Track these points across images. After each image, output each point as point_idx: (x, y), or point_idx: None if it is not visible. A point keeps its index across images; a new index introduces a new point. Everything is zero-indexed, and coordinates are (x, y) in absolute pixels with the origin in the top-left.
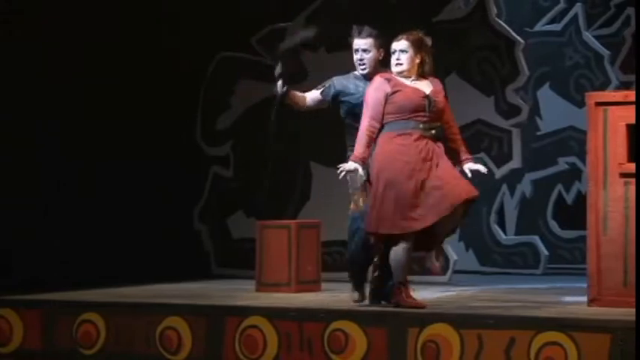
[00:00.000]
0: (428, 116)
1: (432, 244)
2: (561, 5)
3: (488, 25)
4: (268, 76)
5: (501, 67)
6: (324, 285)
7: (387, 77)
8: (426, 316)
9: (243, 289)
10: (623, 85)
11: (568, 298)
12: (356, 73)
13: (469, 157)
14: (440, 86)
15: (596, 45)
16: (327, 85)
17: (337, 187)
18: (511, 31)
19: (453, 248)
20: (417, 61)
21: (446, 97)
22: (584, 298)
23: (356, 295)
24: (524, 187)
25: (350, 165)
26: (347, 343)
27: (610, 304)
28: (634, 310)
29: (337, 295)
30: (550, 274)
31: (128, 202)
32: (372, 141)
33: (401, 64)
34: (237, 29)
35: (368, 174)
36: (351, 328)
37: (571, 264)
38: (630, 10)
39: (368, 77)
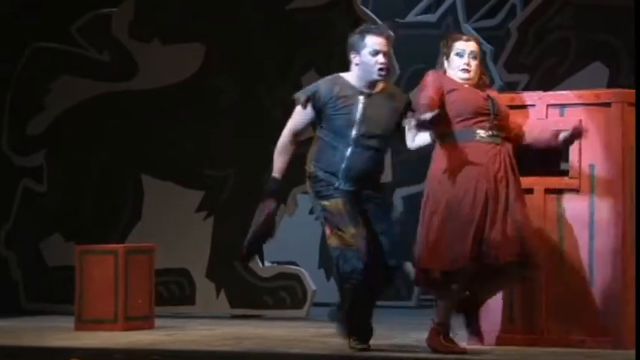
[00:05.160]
0: (493, 121)
1: (468, 304)
2: None
3: (354, 15)
4: (92, 71)
5: None
6: (157, 321)
7: (439, 73)
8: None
9: (60, 327)
10: (508, 86)
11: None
12: (348, 77)
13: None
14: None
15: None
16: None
17: (174, 204)
18: (379, 21)
19: (312, 277)
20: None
21: None
22: (465, 334)
23: (355, 343)
24: (394, 204)
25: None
26: None
27: (494, 342)
28: (520, 348)
29: (174, 333)
30: (424, 306)
31: None
32: None
33: (469, 71)
34: (53, 15)
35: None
36: None
37: None
38: None
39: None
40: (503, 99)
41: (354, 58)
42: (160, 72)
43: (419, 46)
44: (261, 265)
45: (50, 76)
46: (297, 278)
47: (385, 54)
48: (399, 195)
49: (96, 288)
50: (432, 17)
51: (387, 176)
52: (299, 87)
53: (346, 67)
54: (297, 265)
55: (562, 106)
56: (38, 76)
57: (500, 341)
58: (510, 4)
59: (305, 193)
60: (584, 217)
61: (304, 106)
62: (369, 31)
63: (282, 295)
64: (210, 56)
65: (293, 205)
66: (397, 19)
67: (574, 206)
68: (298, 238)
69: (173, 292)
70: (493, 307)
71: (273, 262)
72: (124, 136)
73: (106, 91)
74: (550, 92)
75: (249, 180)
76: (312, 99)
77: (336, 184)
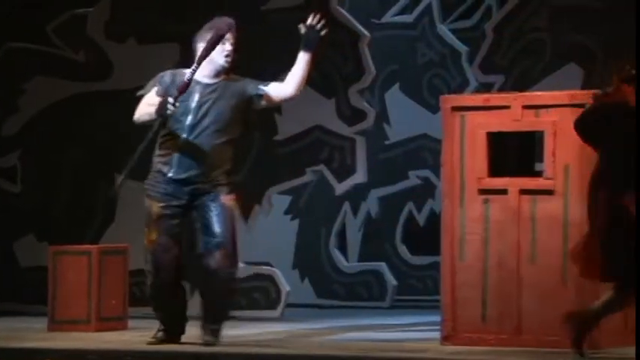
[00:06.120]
0: None
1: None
2: None
3: (329, 15)
4: (68, 71)
5: (344, 65)
6: (131, 322)
7: None
8: (252, 359)
9: (33, 328)
10: (484, 87)
11: (419, 336)
12: (185, 70)
13: None
14: None
15: (453, 40)
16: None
17: None
18: (355, 22)
19: (285, 278)
20: None
21: None
22: (438, 336)
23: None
24: (370, 205)
25: None
26: None
27: (466, 342)
28: (494, 348)
29: (147, 334)
30: (398, 307)
31: None
32: None
33: None
34: (28, 15)
35: None
36: None
37: (423, 295)
38: (491, 0)
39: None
40: (479, 100)
41: (199, 49)
42: (135, 72)
43: (395, 47)
44: None
45: (25, 76)
46: (270, 279)
47: (231, 44)
48: (374, 195)
49: (69, 289)
50: (408, 18)
51: (362, 177)
52: None
53: (321, 66)
54: (271, 266)
55: (537, 107)
56: (12, 76)
57: (473, 341)
58: (486, 6)
59: (282, 193)
60: (558, 218)
61: (149, 92)
62: (216, 22)
63: (256, 296)
64: (186, 56)
65: (268, 205)
66: (373, 20)
67: (548, 207)
68: (272, 238)
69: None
70: (466, 307)
71: (246, 263)
72: (98, 136)
73: (82, 91)
74: (525, 93)
75: None
76: (156, 86)
77: (169, 174)
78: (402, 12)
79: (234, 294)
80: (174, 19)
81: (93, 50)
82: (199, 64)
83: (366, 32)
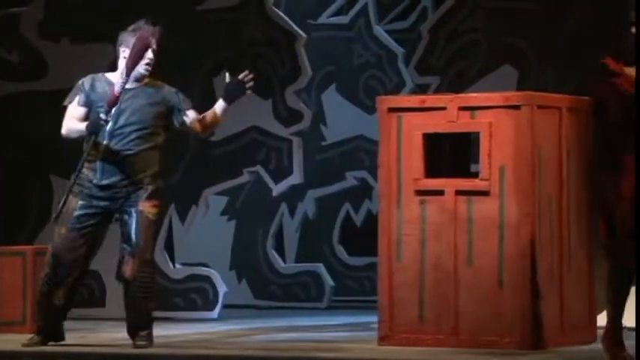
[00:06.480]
0: None
1: None
2: None
3: (265, 16)
4: (1, 71)
5: (280, 66)
6: (67, 324)
7: None
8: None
9: None
10: (420, 89)
11: (356, 336)
12: (109, 76)
13: None
14: None
15: (389, 41)
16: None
17: None
18: (291, 22)
19: (223, 279)
20: None
21: None
22: (375, 336)
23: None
24: (307, 206)
25: None
26: None
27: (403, 343)
28: (430, 349)
29: (84, 335)
30: (336, 307)
31: None
32: None
33: None
34: None
35: None
36: None
37: (360, 296)
38: (427, 2)
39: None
40: (415, 101)
41: (124, 52)
42: (69, 72)
43: (331, 48)
44: (172, 268)
45: None
46: (208, 280)
47: (153, 51)
48: (311, 196)
49: (4, 290)
50: (344, 19)
51: (298, 178)
52: (211, 87)
53: (257, 67)
54: (209, 267)
55: (473, 108)
56: None
57: (410, 342)
58: (422, 7)
59: (218, 194)
60: (494, 218)
61: (72, 102)
62: (140, 29)
63: (194, 296)
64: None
65: (204, 206)
66: (309, 21)
67: (484, 208)
68: (209, 239)
69: (82, 295)
70: (403, 308)
71: (183, 264)
72: (33, 136)
73: (15, 90)
74: (461, 95)
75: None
76: (77, 95)
77: (94, 180)
78: (337, 13)
79: (149, 301)
80: (107, 18)
81: (26, 50)
82: (128, 75)
83: (302, 33)
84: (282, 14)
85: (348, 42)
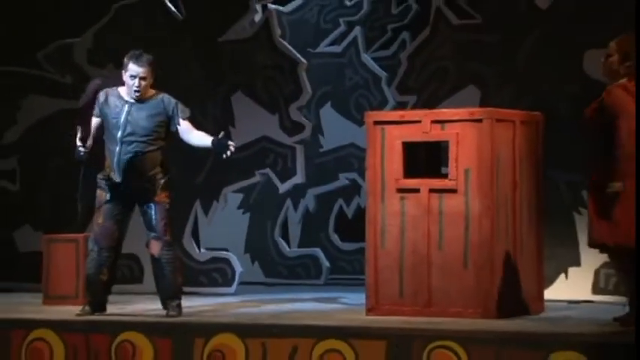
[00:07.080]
0: None
1: None
2: (342, 28)
3: (273, 46)
4: (55, 91)
5: (285, 86)
6: (111, 297)
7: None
8: (211, 326)
9: (30, 302)
10: (400, 105)
11: (348, 308)
12: (120, 90)
13: None
14: None
15: (374, 67)
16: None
17: None
18: (294, 51)
19: (239, 261)
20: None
21: None
22: (363, 308)
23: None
24: (308, 201)
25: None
26: (134, 355)
27: (386, 313)
28: (408, 318)
29: (124, 307)
30: (331, 284)
31: None
32: None
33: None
34: (23, 44)
35: None
36: (137, 339)
37: (351, 275)
38: (405, 35)
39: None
40: (395, 115)
41: (124, 75)
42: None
43: (327, 72)
44: (198, 252)
45: (21, 95)
46: (226, 262)
47: (141, 79)
48: (311, 194)
49: (60, 270)
50: (337, 48)
51: (300, 178)
52: (229, 103)
53: (267, 87)
54: (227, 251)
55: (443, 122)
56: (10, 95)
57: (392, 312)
58: (401, 39)
59: (235, 192)
60: (460, 211)
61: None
62: (131, 58)
63: (215, 275)
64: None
65: (224, 202)
66: (309, 49)
67: (453, 203)
68: (228, 229)
69: (124, 273)
70: (386, 285)
71: (207, 249)
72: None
73: (67, 107)
74: (433, 110)
75: (176, 182)
76: (96, 106)
77: (112, 177)
78: (332, 43)
79: (176, 272)
80: (145, 49)
81: (77, 74)
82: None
83: (303, 60)
84: (287, 44)
85: (341, 67)
